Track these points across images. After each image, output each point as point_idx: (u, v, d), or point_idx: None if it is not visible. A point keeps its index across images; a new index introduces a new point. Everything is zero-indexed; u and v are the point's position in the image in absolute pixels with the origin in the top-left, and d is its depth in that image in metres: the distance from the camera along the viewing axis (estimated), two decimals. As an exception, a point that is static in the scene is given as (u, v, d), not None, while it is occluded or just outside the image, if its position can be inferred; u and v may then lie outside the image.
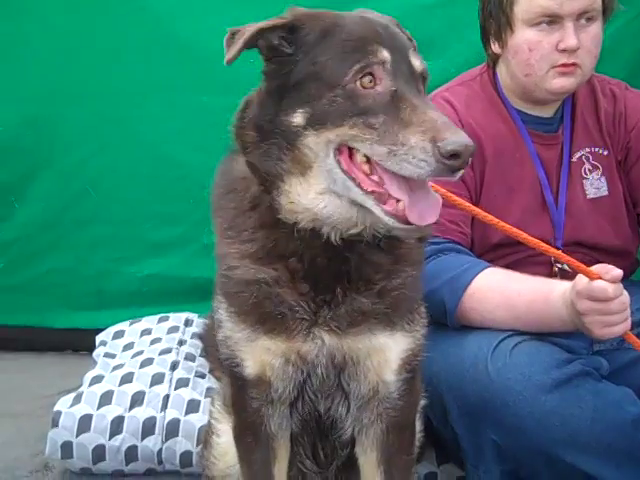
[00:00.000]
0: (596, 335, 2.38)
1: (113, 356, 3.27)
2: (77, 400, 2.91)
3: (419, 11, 3.49)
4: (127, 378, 3.02)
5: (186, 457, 2.84)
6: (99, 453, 2.83)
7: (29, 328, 3.96)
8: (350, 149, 1.78)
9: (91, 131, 3.79)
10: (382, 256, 1.97)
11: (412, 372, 2.11)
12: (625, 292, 2.35)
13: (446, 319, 2.59)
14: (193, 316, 3.59)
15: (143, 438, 2.84)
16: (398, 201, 1.74)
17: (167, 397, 2.94)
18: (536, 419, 2.35)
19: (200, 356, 3.23)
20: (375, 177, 1.77)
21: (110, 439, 2.83)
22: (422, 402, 2.37)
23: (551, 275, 2.73)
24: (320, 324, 1.96)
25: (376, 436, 2.14)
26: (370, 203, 1.77)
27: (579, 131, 2.85)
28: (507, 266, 2.68)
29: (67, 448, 2.83)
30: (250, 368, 2.05)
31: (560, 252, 2.43)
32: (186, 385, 3.01)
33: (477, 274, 2.57)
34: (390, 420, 2.11)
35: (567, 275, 2.64)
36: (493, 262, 2.68)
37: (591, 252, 2.78)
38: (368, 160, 1.77)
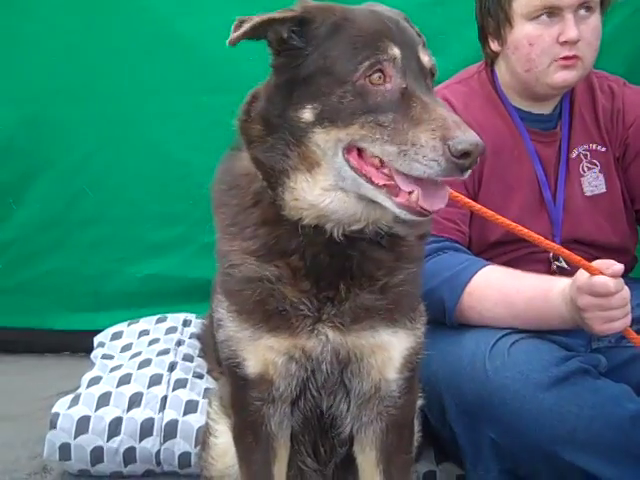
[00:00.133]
0: (596, 331, 2.37)
1: (111, 357, 3.26)
2: (75, 402, 2.90)
3: (418, 9, 3.44)
4: (125, 379, 3.01)
5: (184, 458, 2.83)
6: (97, 455, 2.82)
7: (28, 330, 3.95)
8: (359, 148, 1.77)
9: (90, 131, 3.79)
10: (383, 253, 1.96)
11: (413, 370, 2.11)
12: (626, 287, 2.34)
13: (445, 318, 2.58)
14: (191, 316, 3.58)
15: (141, 439, 2.83)
16: (410, 192, 1.72)
17: (165, 398, 2.93)
18: (534, 417, 2.34)
19: (198, 356, 3.23)
20: (386, 170, 1.75)
21: (108, 441, 2.82)
22: (420, 402, 2.36)
23: (550, 272, 2.72)
24: (324, 320, 1.96)
25: (375, 435, 2.13)
26: (382, 197, 1.76)
27: (577, 128, 2.84)
28: (505, 264, 2.67)
29: (65, 450, 2.82)
30: (252, 367, 2.03)
31: (561, 247, 2.42)
32: (184, 386, 3.00)
33: (476, 272, 2.57)
34: (389, 419, 2.11)
35: (566, 272, 2.64)
36: (491, 260, 2.67)
37: (589, 249, 2.77)
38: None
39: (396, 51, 1.76)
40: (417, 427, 2.37)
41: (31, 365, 3.86)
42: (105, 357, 3.26)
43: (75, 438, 2.82)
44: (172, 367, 3.12)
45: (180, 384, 3.01)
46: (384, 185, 1.74)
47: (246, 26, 1.78)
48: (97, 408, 2.88)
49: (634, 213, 2.91)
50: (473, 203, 2.35)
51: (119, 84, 3.71)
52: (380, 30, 1.79)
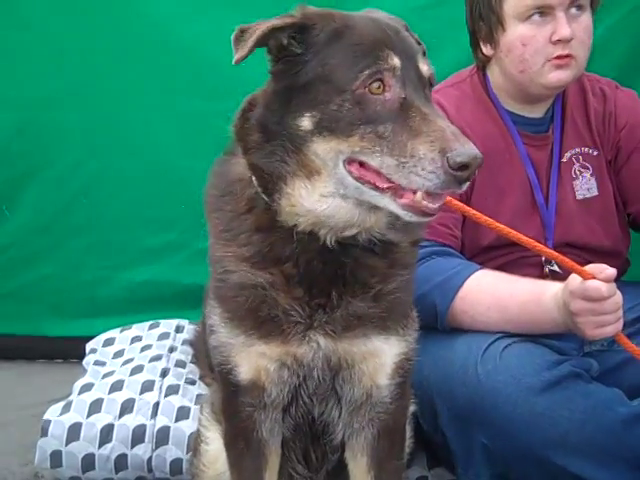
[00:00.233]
0: (588, 335, 2.37)
1: (103, 364, 3.24)
2: (66, 409, 2.89)
3: (410, 13, 3.43)
4: (117, 386, 2.99)
5: (176, 465, 2.81)
6: (88, 462, 2.80)
7: (22, 336, 3.92)
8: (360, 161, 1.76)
9: (83, 137, 3.76)
10: (377, 260, 1.95)
11: (404, 376, 2.10)
12: (618, 292, 2.34)
13: (437, 322, 2.58)
14: (184, 322, 3.56)
15: (133, 446, 2.81)
16: (414, 192, 1.71)
17: (157, 404, 2.91)
18: (526, 421, 2.34)
19: (191, 362, 3.21)
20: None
21: (100, 448, 2.80)
22: (412, 407, 2.35)
23: (542, 276, 2.72)
24: (315, 327, 1.95)
25: (367, 441, 2.12)
26: (386, 201, 1.75)
27: (569, 131, 2.84)
28: (498, 268, 2.67)
29: (56, 457, 2.80)
30: (244, 374, 2.02)
31: (552, 251, 2.41)
32: (176, 392, 2.98)
33: (468, 276, 2.57)
34: (381, 425, 2.10)
35: (558, 276, 2.64)
36: (484, 264, 2.67)
37: (581, 252, 2.77)
38: None
39: (396, 61, 1.75)
40: (409, 433, 2.37)
41: (24, 371, 3.84)
42: (97, 363, 3.25)
43: (66, 445, 2.80)
44: (164, 373, 3.11)
45: (172, 390, 2.99)
46: (388, 188, 1.73)
47: (250, 42, 1.75)
48: (89, 415, 2.86)
49: (626, 216, 2.92)
50: (466, 207, 2.34)
51: (112, 90, 3.68)
52: (380, 39, 1.78)
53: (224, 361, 2.04)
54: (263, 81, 1.93)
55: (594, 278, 2.30)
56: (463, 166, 1.63)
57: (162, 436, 2.82)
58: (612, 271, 2.31)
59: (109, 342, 3.45)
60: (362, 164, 1.75)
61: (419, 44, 1.93)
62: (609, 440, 2.35)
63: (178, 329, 3.52)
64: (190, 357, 3.24)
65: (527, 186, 2.78)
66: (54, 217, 3.83)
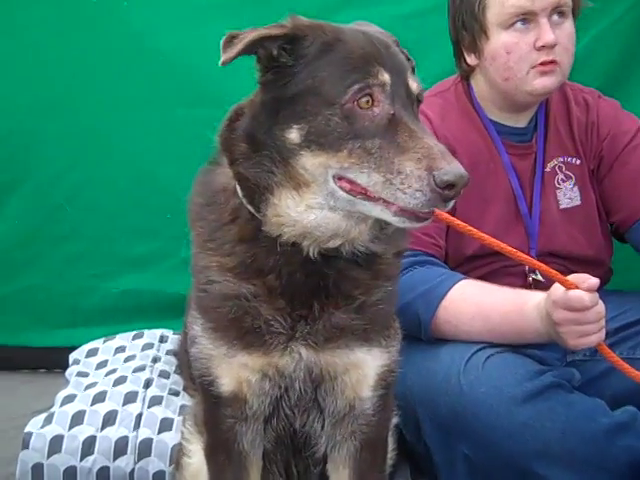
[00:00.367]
0: (571, 345, 2.37)
1: (86, 375, 3.21)
2: (48, 421, 2.85)
3: (395, 22, 3.45)
4: (99, 397, 2.96)
5: (159, 477, 2.77)
6: (70, 474, 2.75)
7: (4, 347, 3.89)
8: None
9: (67, 146, 3.74)
10: (360, 271, 1.94)
11: (387, 388, 2.09)
12: (601, 302, 2.35)
13: (420, 332, 2.58)
14: (168, 332, 3.54)
15: (115, 458, 2.78)
16: None
17: (140, 416, 2.88)
18: (508, 432, 2.35)
19: (175, 373, 3.19)
20: None
21: (81, 460, 2.76)
22: (395, 419, 2.35)
23: (525, 286, 2.73)
24: (297, 338, 1.94)
25: (349, 453, 2.11)
26: (378, 209, 1.74)
27: (552, 141, 2.85)
28: (482, 277, 2.68)
29: (38, 470, 2.76)
30: (226, 385, 2.01)
31: (536, 261, 2.42)
32: (159, 403, 2.95)
33: (452, 286, 2.57)
34: (363, 437, 2.09)
35: (541, 285, 2.65)
36: (468, 274, 2.68)
37: (564, 262, 2.78)
38: None
39: (386, 77, 1.74)
40: (392, 445, 2.35)
41: (7, 383, 3.80)
42: (80, 375, 3.22)
43: (48, 458, 2.76)
44: (148, 384, 3.08)
45: (155, 401, 2.96)
46: (380, 197, 1.72)
47: (238, 45, 1.74)
48: (70, 427, 2.82)
49: (609, 225, 2.93)
50: (450, 217, 2.33)
51: (96, 98, 3.67)
52: (371, 54, 1.77)
53: (205, 372, 2.03)
54: (248, 90, 1.93)
55: (577, 288, 2.30)
56: (450, 185, 1.63)
57: (145, 448, 2.79)
58: (595, 281, 2.32)
59: (92, 353, 3.41)
60: (351, 181, 1.74)
61: (409, 60, 1.93)
62: (591, 450, 2.36)
63: (162, 339, 3.49)
64: (174, 367, 3.22)
65: (511, 195, 2.79)
66: (37, 227, 3.81)
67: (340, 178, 1.75)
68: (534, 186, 2.81)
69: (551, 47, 2.62)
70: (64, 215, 3.80)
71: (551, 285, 2.38)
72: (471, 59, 2.78)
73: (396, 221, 1.74)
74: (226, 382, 2.01)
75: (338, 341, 1.95)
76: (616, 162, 2.82)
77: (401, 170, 1.66)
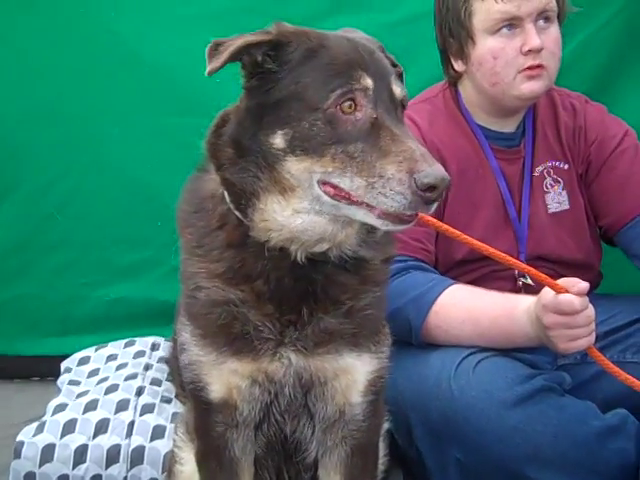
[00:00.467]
0: (560, 349, 2.38)
1: (78, 383, 3.21)
2: (40, 429, 2.85)
3: (383, 29, 3.48)
4: (91, 405, 2.96)
5: (152, 484, 2.79)
6: (63, 483, 2.77)
7: (-5, 356, 3.90)
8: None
9: (56, 155, 3.74)
10: (349, 277, 1.95)
11: (377, 394, 2.09)
12: (590, 305, 2.36)
13: (411, 337, 2.59)
14: (160, 340, 3.53)
15: (107, 466, 2.78)
16: None
17: (132, 424, 2.88)
18: (499, 436, 2.35)
19: (166, 380, 3.19)
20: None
21: (74, 469, 2.76)
22: (386, 425, 2.35)
23: (515, 290, 2.74)
24: (286, 344, 1.95)
25: (340, 459, 2.11)
26: (361, 213, 1.75)
27: (540, 146, 2.86)
28: (472, 282, 2.69)
29: (30, 479, 2.76)
30: (216, 392, 2.02)
31: (526, 265, 2.43)
32: (151, 411, 2.95)
33: (442, 291, 2.58)
34: (354, 443, 2.09)
35: (531, 289, 2.65)
36: (457, 278, 2.69)
37: (554, 266, 2.79)
38: None
39: (369, 81, 1.76)
40: (383, 451, 2.35)
41: (0, 391, 3.80)
42: (72, 383, 3.21)
43: (40, 467, 2.76)
44: (140, 392, 3.07)
45: (147, 409, 2.96)
46: (363, 201, 1.73)
47: (224, 54, 1.76)
48: (62, 435, 2.82)
49: (598, 229, 2.94)
50: (438, 222, 2.35)
51: (85, 107, 3.67)
52: (354, 59, 1.78)
53: (195, 379, 2.03)
54: (237, 98, 1.93)
55: (567, 291, 2.31)
56: (430, 187, 1.63)
57: (137, 456, 2.79)
58: (585, 285, 2.33)
59: (84, 361, 3.41)
60: (335, 186, 1.75)
61: (395, 66, 1.95)
62: (582, 454, 2.37)
63: (154, 347, 3.49)
64: (166, 375, 3.22)
65: (500, 200, 2.80)
66: (28, 235, 3.80)
67: (324, 183, 1.76)
68: (523, 190, 2.82)
69: (537, 51, 2.64)
70: (55, 224, 3.80)
71: (541, 289, 2.39)
72: (458, 65, 2.80)
73: (380, 224, 1.75)
74: (216, 388, 2.01)
75: (327, 346, 1.95)
76: (604, 166, 2.83)
77: (382, 174, 1.67)
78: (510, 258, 2.34)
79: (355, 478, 2.11)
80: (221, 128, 1.91)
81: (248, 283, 1.92)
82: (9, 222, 3.80)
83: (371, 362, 2.03)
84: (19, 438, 2.83)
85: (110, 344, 3.52)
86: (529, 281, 2.72)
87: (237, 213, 1.89)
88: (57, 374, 3.46)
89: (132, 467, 2.79)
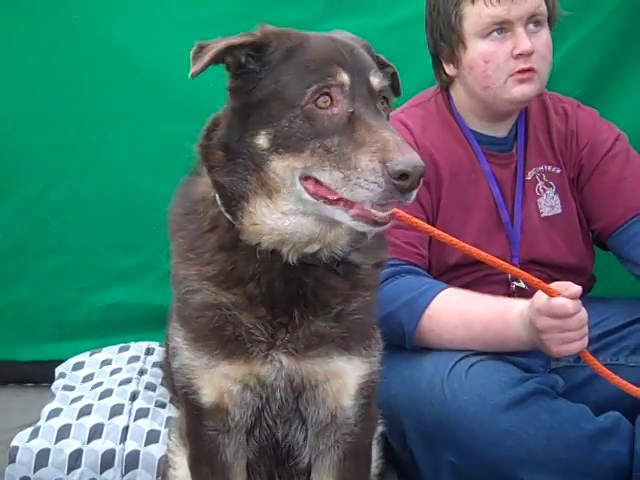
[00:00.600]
0: (554, 352, 2.39)
1: (72, 388, 3.21)
2: (34, 434, 2.85)
3: (377, 33, 3.50)
4: (85, 410, 2.96)
5: (146, 489, 2.79)
6: (58, 488, 2.77)
7: (-10, 361, 3.90)
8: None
9: (51, 160, 3.75)
10: (339, 280, 1.96)
11: (369, 398, 2.10)
12: (583, 309, 2.36)
13: (404, 341, 2.59)
14: (154, 345, 3.53)
15: (102, 471, 2.78)
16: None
17: (126, 428, 2.88)
18: (492, 439, 2.36)
19: (161, 385, 3.19)
20: None
21: (68, 473, 2.77)
22: (379, 429, 2.35)
23: (508, 293, 2.75)
24: (278, 347, 1.95)
25: (332, 463, 2.12)
26: (338, 212, 1.76)
27: (532, 150, 2.87)
28: (465, 286, 2.70)
29: (25, 484, 2.78)
30: (207, 396, 2.02)
31: (519, 269, 2.43)
32: (146, 415, 2.95)
33: (435, 295, 2.58)
34: (346, 446, 2.10)
35: (524, 293, 2.66)
36: (451, 282, 2.69)
37: (547, 270, 2.80)
38: None
39: (344, 76, 1.77)
40: (377, 454, 2.36)
41: (-5, 397, 3.81)
42: (66, 388, 3.22)
43: (35, 472, 2.76)
44: (134, 396, 3.08)
45: (142, 414, 2.96)
46: (338, 200, 1.75)
47: (206, 57, 1.79)
48: (57, 440, 2.83)
49: (590, 233, 2.95)
50: (430, 227, 2.36)
51: (80, 112, 3.67)
52: (331, 56, 1.81)
53: (187, 383, 2.04)
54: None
55: (560, 295, 2.32)
56: (403, 175, 1.64)
57: (132, 460, 2.79)
58: (577, 288, 2.34)
59: (78, 366, 3.41)
60: (317, 181, 1.76)
61: (386, 66, 1.98)
62: (575, 456, 2.37)
63: (148, 351, 3.49)
64: (160, 380, 3.22)
65: (492, 204, 2.81)
66: (23, 240, 3.80)
67: (306, 178, 1.77)
68: (515, 195, 2.83)
69: (528, 55, 2.65)
70: (49, 229, 3.80)
71: (534, 293, 2.40)
72: (450, 69, 2.81)
73: (355, 225, 1.76)
74: (207, 393, 2.02)
75: (318, 349, 1.96)
76: (595, 171, 2.84)
77: (357, 165, 1.68)
78: (502, 262, 2.35)
79: None
80: (212, 131, 1.93)
81: (240, 286, 1.93)
82: (4, 227, 3.80)
83: (362, 366, 2.04)
84: (13, 443, 2.84)
85: (104, 349, 3.52)
86: (522, 285, 2.73)
87: (228, 216, 1.90)
88: (51, 380, 3.46)
89: (127, 472, 2.79)
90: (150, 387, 3.19)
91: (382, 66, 1.98)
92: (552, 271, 2.79)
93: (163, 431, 2.87)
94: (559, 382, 2.56)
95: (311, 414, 2.05)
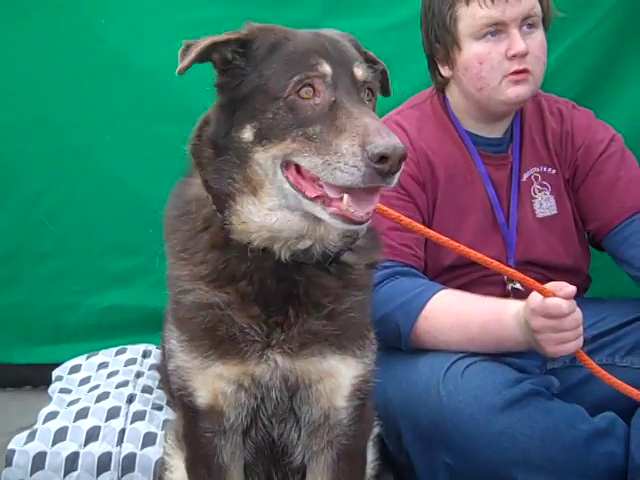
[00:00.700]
0: (549, 353, 2.39)
1: (69, 391, 3.21)
2: (31, 437, 2.85)
3: (373, 34, 3.50)
4: (82, 413, 2.96)
5: (143, 492, 2.79)
6: (54, 491, 2.77)
7: (-12, 364, 3.90)
8: (297, 164, 1.78)
9: (47, 163, 3.75)
10: (331, 279, 1.98)
11: (363, 399, 2.10)
12: (578, 309, 2.37)
13: (400, 343, 2.60)
14: (151, 347, 3.53)
15: (99, 474, 2.78)
16: (340, 199, 1.73)
17: (123, 431, 2.88)
18: (487, 441, 2.36)
19: (158, 388, 3.19)
20: (321, 182, 1.76)
21: (65, 476, 2.76)
22: (375, 430, 2.35)
23: (504, 294, 2.75)
24: (273, 346, 1.96)
25: (326, 463, 2.12)
26: (317, 209, 1.78)
27: (527, 151, 2.87)
28: (461, 287, 2.70)
29: (21, 487, 2.78)
30: (202, 398, 2.03)
31: (513, 270, 2.44)
32: (142, 418, 2.95)
33: (431, 297, 2.59)
34: (340, 447, 2.10)
35: (520, 294, 2.67)
36: (446, 284, 2.69)
37: (543, 271, 2.80)
38: None
39: (326, 67, 1.80)
40: (373, 456, 2.36)
41: (-8, 400, 3.81)
42: (63, 391, 3.21)
43: (31, 475, 2.76)
44: (130, 399, 3.07)
45: (138, 416, 2.96)
46: (317, 197, 1.76)
47: (192, 53, 1.83)
48: (53, 443, 2.82)
49: (586, 234, 2.95)
50: (425, 229, 2.37)
51: (76, 115, 3.68)
52: (313, 48, 1.84)
53: (182, 385, 2.05)
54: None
55: (554, 295, 2.32)
56: (382, 157, 1.65)
57: (128, 463, 2.79)
58: (572, 288, 2.34)
59: (75, 369, 3.41)
60: (299, 170, 1.78)
61: (375, 63, 2.01)
62: (571, 457, 2.37)
63: (145, 354, 3.49)
64: (157, 382, 3.22)
65: (488, 205, 2.81)
66: (20, 244, 3.81)
67: (287, 167, 1.79)
68: (511, 196, 2.84)
69: (522, 56, 2.65)
70: (46, 232, 3.80)
71: (530, 293, 2.40)
72: (445, 71, 2.81)
73: (333, 222, 1.77)
74: (202, 394, 2.02)
75: (312, 347, 1.97)
76: (591, 171, 2.84)
77: (337, 150, 1.69)
78: (497, 263, 2.35)
79: None
80: (202, 130, 1.96)
81: (232, 285, 1.94)
82: (0, 230, 3.80)
83: (356, 366, 2.05)
84: (10, 446, 2.84)
85: (101, 352, 3.52)
86: (518, 286, 2.73)
87: (219, 215, 1.92)
88: (49, 382, 3.46)
89: (123, 474, 2.79)
90: (147, 390, 3.18)
91: (372, 63, 2.01)
92: (548, 272, 2.79)
93: (160, 434, 2.87)
94: (554, 383, 2.56)
95: (304, 413, 2.06)
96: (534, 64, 2.69)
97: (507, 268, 2.43)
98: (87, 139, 3.71)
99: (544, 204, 2.86)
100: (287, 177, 1.79)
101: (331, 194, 1.73)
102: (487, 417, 2.35)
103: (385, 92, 2.16)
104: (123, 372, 3.29)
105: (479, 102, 2.77)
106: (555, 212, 2.87)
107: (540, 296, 2.34)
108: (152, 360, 3.41)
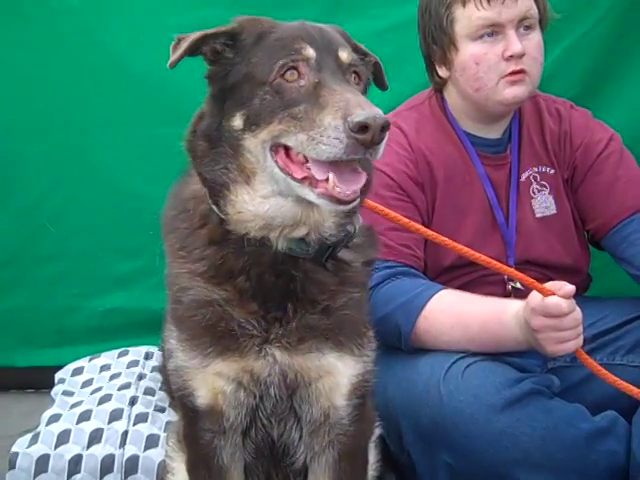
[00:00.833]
0: (549, 352, 2.40)
1: (71, 394, 3.21)
2: (34, 440, 2.85)
3: (371, 36, 3.47)
4: (85, 416, 2.96)
5: (146, 494, 2.80)
6: (57, 494, 2.78)
7: (-10, 368, 3.91)
8: (286, 147, 1.81)
9: (48, 166, 3.78)
10: (328, 276, 1.99)
11: (362, 398, 2.10)
12: (578, 308, 2.37)
13: (401, 343, 2.60)
14: (153, 349, 3.53)
15: (102, 476, 2.77)
16: (326, 180, 1.75)
17: (126, 433, 2.88)
18: (488, 440, 2.36)
19: (160, 389, 3.19)
20: (309, 164, 1.78)
21: (68, 479, 2.76)
22: (377, 432, 2.35)
23: (505, 294, 2.75)
24: (271, 341, 1.97)
25: (328, 464, 2.12)
26: (305, 191, 1.80)
27: (526, 151, 2.88)
28: (461, 287, 2.71)
29: (25, 490, 2.78)
30: (202, 397, 2.04)
31: (513, 269, 2.45)
32: (145, 420, 2.96)
33: (431, 297, 2.59)
34: (341, 447, 2.10)
35: (520, 294, 2.66)
36: (447, 284, 2.70)
37: (542, 270, 2.81)
38: None
39: (310, 51, 1.84)
40: (375, 457, 2.36)
41: (-4, 403, 3.82)
42: (65, 394, 3.22)
43: (35, 477, 2.75)
44: (133, 401, 3.08)
45: (141, 418, 2.97)
46: (304, 178, 1.78)
47: (183, 46, 1.88)
48: (57, 446, 2.82)
49: (585, 233, 2.95)
50: (424, 229, 2.38)
51: (76, 118, 3.70)
52: (297, 35, 1.87)
53: (182, 385, 2.05)
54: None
55: (554, 295, 2.33)
56: (364, 127, 1.67)
57: (131, 465, 2.79)
58: (571, 288, 2.34)
59: (78, 371, 3.42)
60: (288, 153, 1.80)
61: (366, 55, 2.04)
62: (572, 456, 2.37)
63: (147, 356, 3.49)
64: (159, 384, 3.22)
65: (487, 206, 2.82)
66: (21, 247, 3.84)
67: (276, 151, 1.82)
68: (510, 196, 2.84)
69: (519, 57, 2.66)
70: (48, 235, 3.83)
71: (530, 293, 2.41)
72: (442, 72, 2.82)
73: (320, 203, 1.79)
74: (202, 394, 2.03)
75: (309, 342, 1.98)
76: (589, 171, 2.85)
77: (320, 125, 1.72)
78: (496, 263, 2.36)
79: None
80: (197, 125, 1.98)
81: (230, 281, 1.96)
82: (2, 234, 3.84)
83: (355, 365, 2.05)
84: (13, 449, 2.83)
85: (103, 354, 3.53)
86: (519, 285, 2.73)
87: (215, 208, 1.94)
88: (52, 385, 3.46)
89: (126, 476, 2.79)
90: (149, 392, 3.19)
91: (363, 55, 2.04)
92: (548, 271, 2.80)
93: (162, 436, 2.87)
94: (555, 382, 2.56)
95: (305, 412, 2.07)
96: (531, 65, 2.69)
97: (507, 268, 2.44)
98: (87, 142, 3.73)
99: (543, 204, 2.86)
100: (276, 161, 1.82)
101: (318, 175, 1.75)
102: (487, 416, 2.36)
103: (381, 85, 2.19)
104: (125, 374, 3.30)
105: (477, 103, 2.78)
106: (554, 212, 2.87)
107: (540, 295, 2.34)
108: (154, 362, 3.41)
